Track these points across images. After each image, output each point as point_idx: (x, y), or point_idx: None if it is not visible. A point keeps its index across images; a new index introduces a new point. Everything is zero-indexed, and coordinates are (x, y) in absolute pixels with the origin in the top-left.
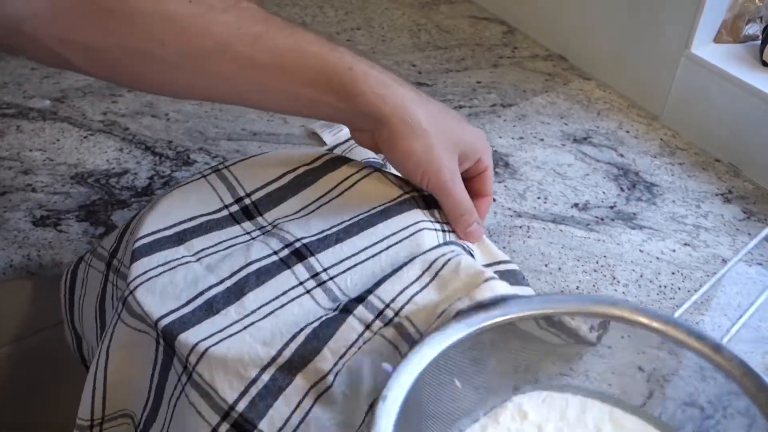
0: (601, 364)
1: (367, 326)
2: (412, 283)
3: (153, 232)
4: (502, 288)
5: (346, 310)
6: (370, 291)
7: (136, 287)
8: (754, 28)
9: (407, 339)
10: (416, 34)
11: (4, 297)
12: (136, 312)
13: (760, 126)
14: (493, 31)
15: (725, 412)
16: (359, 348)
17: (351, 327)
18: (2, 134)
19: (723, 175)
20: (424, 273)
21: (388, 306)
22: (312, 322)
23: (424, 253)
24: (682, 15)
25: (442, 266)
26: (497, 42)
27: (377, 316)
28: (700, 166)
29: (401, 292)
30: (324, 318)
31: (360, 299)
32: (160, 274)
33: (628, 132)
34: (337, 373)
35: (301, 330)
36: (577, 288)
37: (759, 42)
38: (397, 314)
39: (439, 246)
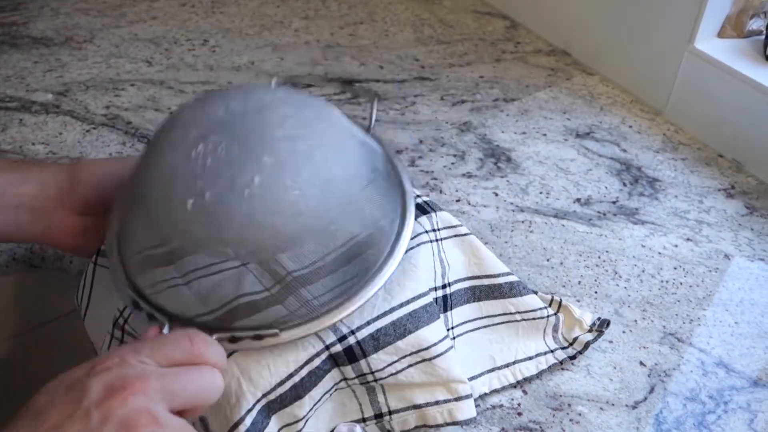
0: (602, 359)
1: (345, 379)
2: (403, 357)
3: (144, 249)
4: (473, 410)
5: (334, 360)
6: (364, 352)
7: (130, 313)
8: (758, 23)
9: (374, 404)
10: (419, 28)
11: (6, 290)
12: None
13: (763, 121)
14: (496, 26)
15: (726, 407)
16: (330, 394)
17: (332, 377)
18: (5, 127)
19: (726, 171)
20: (417, 352)
21: (372, 373)
22: (300, 369)
23: (423, 329)
24: (686, 10)
25: (433, 357)
26: (500, 37)
27: (359, 376)
28: (703, 162)
29: (390, 364)
30: (313, 368)
31: (352, 358)
32: (151, 295)
33: (630, 127)
34: (308, 420)
35: (289, 377)
36: (579, 283)
37: (763, 37)
38: (375, 380)
39: (440, 335)
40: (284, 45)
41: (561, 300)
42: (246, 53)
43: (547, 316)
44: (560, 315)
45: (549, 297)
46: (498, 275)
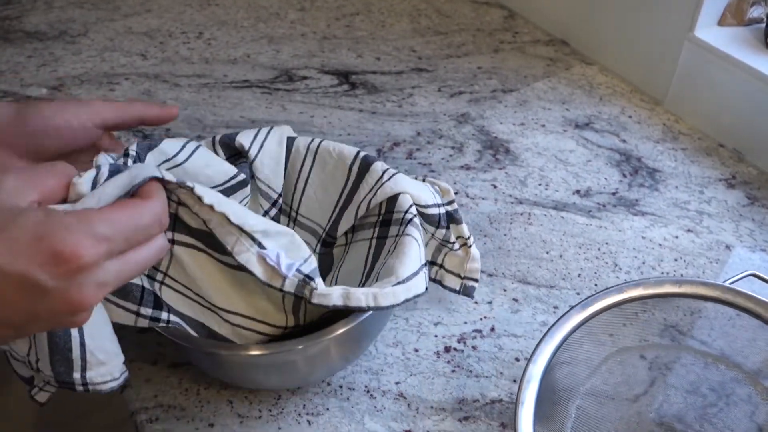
0: (602, 352)
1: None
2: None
3: None
4: (403, 295)
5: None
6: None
7: None
8: (758, 11)
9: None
10: (416, 19)
11: None
12: None
13: (764, 110)
14: (493, 16)
15: (728, 399)
16: None
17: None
18: None
19: (726, 161)
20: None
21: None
22: None
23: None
24: None
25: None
26: (498, 27)
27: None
28: (704, 152)
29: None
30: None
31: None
32: None
33: (630, 117)
34: None
35: None
36: (579, 275)
37: (764, 25)
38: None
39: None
40: (280, 37)
41: (471, 246)
42: (242, 46)
43: (452, 249)
44: (459, 251)
45: (466, 235)
46: (430, 206)
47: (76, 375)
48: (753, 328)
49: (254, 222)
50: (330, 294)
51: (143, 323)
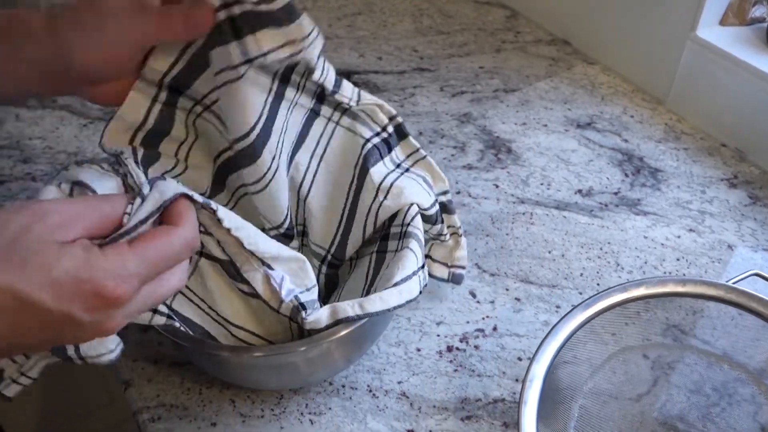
0: (605, 351)
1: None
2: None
3: None
4: (394, 300)
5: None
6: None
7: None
8: (760, 11)
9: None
10: (418, 18)
11: None
12: None
13: (766, 110)
14: (495, 16)
15: (731, 399)
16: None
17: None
18: (1, 122)
19: (728, 160)
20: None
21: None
22: None
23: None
24: None
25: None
26: (500, 27)
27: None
28: (706, 151)
29: None
30: None
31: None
32: None
33: (632, 117)
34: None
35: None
36: (581, 275)
37: (766, 24)
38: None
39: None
40: None
41: (461, 235)
42: None
43: (442, 241)
44: (449, 241)
45: (457, 225)
46: (428, 208)
47: (71, 352)
48: (756, 327)
49: (266, 248)
50: (319, 318)
51: (160, 320)
